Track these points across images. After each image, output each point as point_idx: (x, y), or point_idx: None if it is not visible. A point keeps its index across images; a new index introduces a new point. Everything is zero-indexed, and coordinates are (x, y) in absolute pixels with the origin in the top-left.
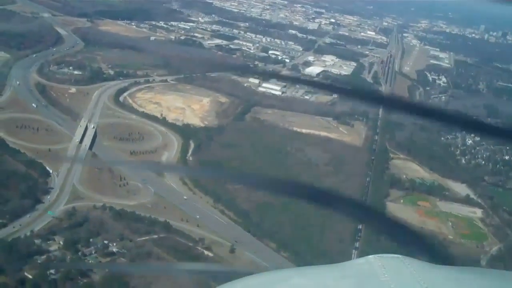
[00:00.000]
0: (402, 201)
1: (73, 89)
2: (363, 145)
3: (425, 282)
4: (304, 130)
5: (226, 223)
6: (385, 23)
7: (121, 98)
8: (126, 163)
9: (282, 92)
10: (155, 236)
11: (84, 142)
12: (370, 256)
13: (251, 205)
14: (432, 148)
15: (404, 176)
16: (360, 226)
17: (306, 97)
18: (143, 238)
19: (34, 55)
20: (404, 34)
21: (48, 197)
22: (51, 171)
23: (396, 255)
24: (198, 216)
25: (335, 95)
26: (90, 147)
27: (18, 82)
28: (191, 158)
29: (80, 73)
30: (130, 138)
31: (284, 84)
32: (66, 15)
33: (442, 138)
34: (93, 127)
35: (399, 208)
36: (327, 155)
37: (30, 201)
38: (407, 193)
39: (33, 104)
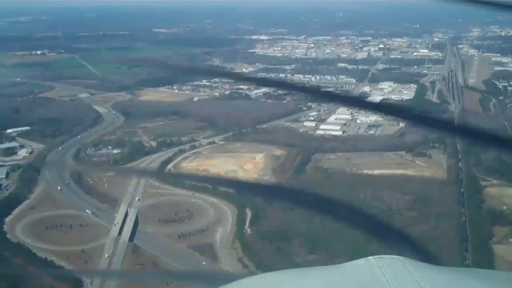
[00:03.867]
0: (511, 240)
1: (112, 172)
2: (447, 178)
3: (425, 283)
4: (376, 172)
5: None
6: (436, 39)
7: (165, 172)
8: (172, 251)
9: (343, 132)
10: None
11: (123, 233)
12: (369, 257)
13: None
14: None
15: (505, 207)
16: None
17: (371, 132)
18: None
19: (71, 141)
20: (458, 46)
21: None
22: (83, 282)
23: (396, 256)
24: None
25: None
26: (131, 238)
27: (48, 173)
28: (249, 231)
29: (119, 151)
30: (177, 218)
31: (344, 122)
32: (105, 91)
33: None
34: (134, 213)
35: (510, 250)
36: (408, 198)
37: None
38: None
39: (58, 187)
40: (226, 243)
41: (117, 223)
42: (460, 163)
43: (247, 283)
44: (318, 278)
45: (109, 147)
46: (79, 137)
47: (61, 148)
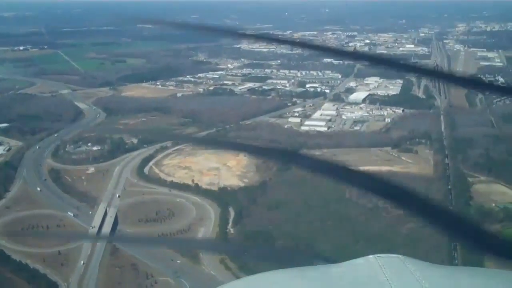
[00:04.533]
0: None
1: (91, 169)
2: (434, 174)
3: (425, 282)
4: (361, 168)
5: None
6: (422, 34)
7: (145, 169)
8: (151, 248)
9: (328, 127)
10: None
11: (102, 233)
12: (369, 256)
13: None
14: None
15: (493, 204)
16: None
17: (356, 127)
18: None
19: (50, 137)
20: (444, 41)
21: None
22: (59, 284)
23: (396, 255)
24: None
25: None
26: (109, 239)
27: (25, 171)
28: (232, 231)
29: (100, 148)
30: (158, 218)
31: (329, 118)
32: (88, 87)
33: None
34: (113, 212)
35: None
36: None
37: None
38: (504, 226)
39: (37, 188)
40: (207, 242)
41: (96, 223)
42: (447, 159)
43: (246, 282)
44: (318, 277)
45: (89, 144)
46: (58, 134)
47: (39, 147)
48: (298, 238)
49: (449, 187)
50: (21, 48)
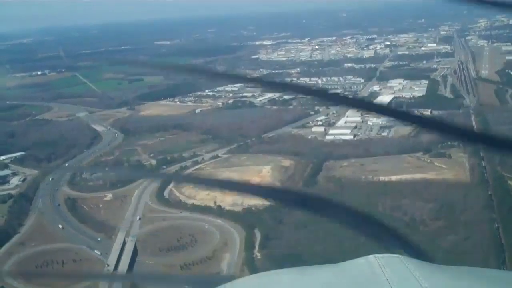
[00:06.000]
0: None
1: (108, 196)
2: (471, 179)
3: (425, 282)
4: (393, 178)
5: None
6: (443, 32)
7: (165, 193)
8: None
9: (354, 135)
10: None
11: (120, 266)
12: (369, 256)
13: None
14: None
15: None
16: None
17: (383, 133)
18: None
19: (66, 164)
20: (467, 38)
21: None
22: None
23: (396, 255)
24: None
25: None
26: (126, 278)
27: (41, 202)
28: (259, 255)
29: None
30: (179, 246)
31: (354, 125)
32: (105, 108)
33: None
34: (132, 242)
35: None
36: (432, 205)
37: None
38: None
39: (59, 225)
40: (234, 271)
41: (113, 256)
42: (483, 161)
43: (246, 282)
44: (318, 277)
45: (106, 169)
46: (75, 159)
47: (54, 175)
48: (330, 260)
49: (490, 192)
50: (39, 73)
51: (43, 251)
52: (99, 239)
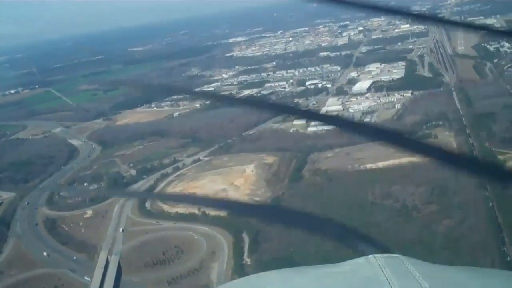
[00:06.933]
0: None
1: (88, 212)
2: None
3: (425, 282)
4: (380, 164)
5: None
6: (414, 12)
7: (147, 204)
8: None
9: None
10: None
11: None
12: (369, 256)
13: None
14: None
15: None
16: None
17: (366, 119)
18: None
19: (44, 183)
20: (439, 15)
21: None
22: None
23: (396, 255)
24: None
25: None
26: None
27: (18, 226)
28: (249, 261)
29: (96, 187)
30: (165, 259)
31: (336, 114)
32: (81, 121)
33: None
34: (116, 261)
35: None
36: (423, 189)
37: None
38: None
39: (39, 250)
40: (225, 281)
41: (97, 278)
42: (470, 138)
43: (246, 282)
44: (317, 277)
45: (85, 184)
46: (52, 177)
47: (32, 196)
48: (324, 261)
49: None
50: (12, 91)
51: (23, 280)
52: (81, 260)
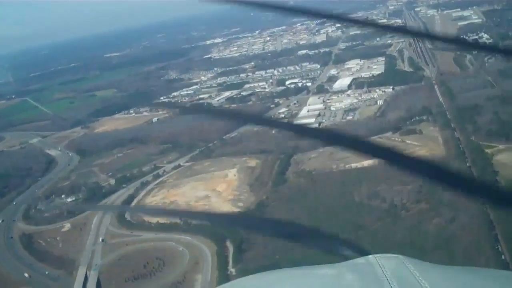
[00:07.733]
0: None
1: (66, 225)
2: (447, 152)
3: (425, 282)
4: (366, 163)
5: None
6: (391, 7)
7: (127, 215)
8: None
9: (319, 123)
10: None
11: None
12: (369, 256)
13: None
14: None
15: None
16: None
17: (349, 117)
18: None
19: (20, 196)
20: (416, 9)
21: None
22: None
23: (396, 255)
24: None
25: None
26: None
27: None
28: (234, 271)
29: (74, 198)
30: (147, 272)
31: (317, 112)
32: (59, 130)
33: None
34: (95, 276)
35: None
36: (410, 187)
37: None
38: None
39: (25, 274)
40: None
41: None
42: (455, 132)
43: (246, 282)
44: (317, 277)
45: (63, 196)
46: (28, 191)
47: (6, 210)
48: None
49: (468, 164)
50: None
51: None
52: (59, 277)
